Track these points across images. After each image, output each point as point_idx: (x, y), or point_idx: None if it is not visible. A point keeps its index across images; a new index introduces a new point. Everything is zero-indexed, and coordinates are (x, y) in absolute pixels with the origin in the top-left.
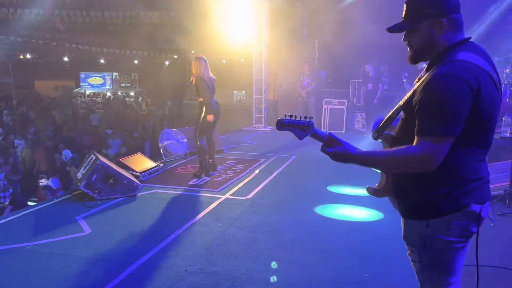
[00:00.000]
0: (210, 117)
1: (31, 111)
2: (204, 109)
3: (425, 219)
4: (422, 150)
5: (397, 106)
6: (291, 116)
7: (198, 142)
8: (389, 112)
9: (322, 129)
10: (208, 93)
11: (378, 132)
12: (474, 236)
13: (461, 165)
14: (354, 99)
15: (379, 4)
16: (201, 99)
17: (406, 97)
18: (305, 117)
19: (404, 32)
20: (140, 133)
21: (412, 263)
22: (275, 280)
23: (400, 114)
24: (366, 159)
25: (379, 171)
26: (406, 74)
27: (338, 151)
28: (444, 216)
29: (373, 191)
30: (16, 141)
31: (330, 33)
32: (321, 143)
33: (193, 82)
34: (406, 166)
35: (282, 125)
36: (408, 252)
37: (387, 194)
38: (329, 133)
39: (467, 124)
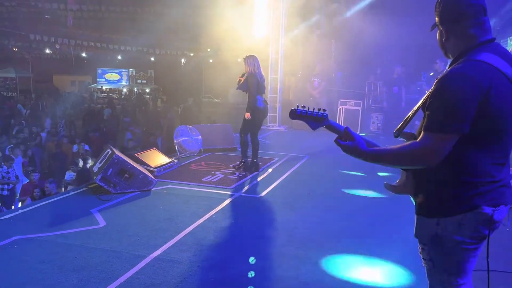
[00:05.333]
0: (247, 115)
1: (48, 104)
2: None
3: (436, 217)
4: (422, 145)
5: (417, 106)
6: (304, 107)
7: (242, 139)
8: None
9: None
10: (255, 91)
11: (399, 130)
12: (487, 239)
13: (474, 166)
14: (370, 100)
15: (396, 5)
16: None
17: (424, 97)
18: (319, 109)
19: None
20: (154, 129)
21: (423, 261)
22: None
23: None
24: (373, 156)
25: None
26: (426, 75)
27: (349, 145)
28: (455, 216)
29: (391, 188)
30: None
31: (348, 33)
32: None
33: (243, 79)
34: (408, 161)
35: (294, 114)
36: (419, 250)
37: (404, 192)
38: (346, 127)
39: (478, 124)
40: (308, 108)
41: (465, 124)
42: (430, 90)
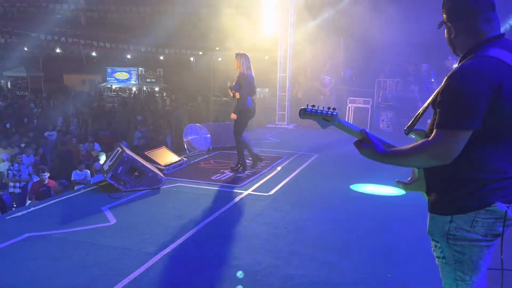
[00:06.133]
0: (233, 115)
1: (59, 103)
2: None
3: (449, 214)
4: (435, 142)
5: (427, 103)
6: (313, 106)
7: (237, 140)
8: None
9: None
10: (246, 91)
11: (409, 127)
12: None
13: (487, 162)
14: (380, 99)
15: (406, 2)
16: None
17: (434, 94)
18: (329, 108)
19: None
20: (163, 127)
21: (436, 259)
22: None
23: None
24: (388, 157)
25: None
26: (435, 73)
27: (366, 148)
28: (468, 213)
29: (403, 185)
30: (47, 133)
31: (357, 31)
32: (347, 136)
33: (235, 81)
34: (423, 159)
35: (304, 114)
36: (432, 248)
37: (416, 189)
38: (363, 129)
39: (490, 120)
40: (318, 107)
41: (477, 120)
42: (440, 87)
